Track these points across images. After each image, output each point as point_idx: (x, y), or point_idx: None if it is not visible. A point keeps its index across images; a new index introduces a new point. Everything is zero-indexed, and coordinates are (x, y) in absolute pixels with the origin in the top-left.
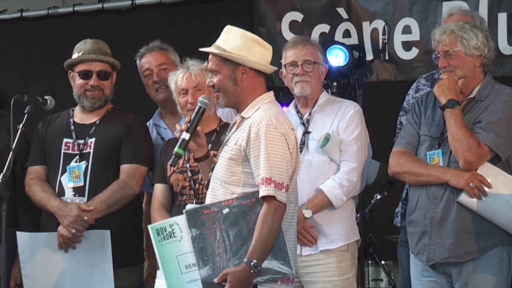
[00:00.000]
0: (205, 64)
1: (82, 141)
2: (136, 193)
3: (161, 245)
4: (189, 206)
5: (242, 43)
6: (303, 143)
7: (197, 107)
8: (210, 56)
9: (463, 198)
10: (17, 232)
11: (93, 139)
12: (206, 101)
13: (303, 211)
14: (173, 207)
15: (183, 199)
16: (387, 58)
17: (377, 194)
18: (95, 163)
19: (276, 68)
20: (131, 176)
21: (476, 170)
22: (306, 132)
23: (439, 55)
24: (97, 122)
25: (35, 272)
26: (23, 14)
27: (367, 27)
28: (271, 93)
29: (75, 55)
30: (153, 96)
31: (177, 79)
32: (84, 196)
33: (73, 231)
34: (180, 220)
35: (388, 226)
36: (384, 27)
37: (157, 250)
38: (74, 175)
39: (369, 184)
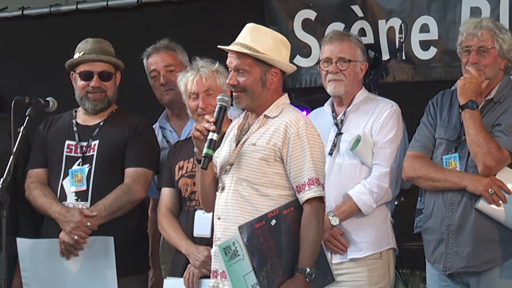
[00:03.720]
0: (216, 65)
1: (85, 144)
2: (141, 198)
3: (230, 265)
4: (198, 213)
5: (273, 44)
6: (334, 145)
7: (218, 106)
8: (234, 55)
9: (482, 204)
10: (18, 239)
11: (96, 142)
12: (226, 98)
13: (330, 219)
14: (181, 212)
15: (192, 204)
16: (404, 58)
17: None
18: (98, 166)
19: (296, 68)
20: (136, 180)
21: (495, 175)
22: (339, 134)
23: (470, 49)
24: (101, 124)
25: (36, 280)
26: (24, 12)
27: (383, 26)
28: (287, 95)
29: (76, 55)
30: (160, 98)
31: (187, 82)
32: (87, 200)
33: (75, 237)
34: (239, 238)
35: (405, 234)
36: (401, 26)
37: (227, 270)
38: (77, 179)
39: (405, 189)
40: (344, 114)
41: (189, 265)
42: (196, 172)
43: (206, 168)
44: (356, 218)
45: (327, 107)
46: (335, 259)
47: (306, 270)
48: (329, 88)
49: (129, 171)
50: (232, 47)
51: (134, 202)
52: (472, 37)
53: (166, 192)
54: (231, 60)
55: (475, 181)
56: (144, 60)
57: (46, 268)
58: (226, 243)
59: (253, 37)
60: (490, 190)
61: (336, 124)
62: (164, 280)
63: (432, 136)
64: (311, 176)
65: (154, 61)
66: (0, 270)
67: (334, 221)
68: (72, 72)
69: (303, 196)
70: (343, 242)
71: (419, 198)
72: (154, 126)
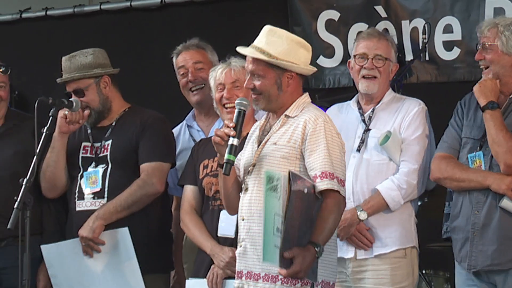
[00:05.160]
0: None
1: (98, 145)
2: (158, 191)
3: (268, 194)
4: (224, 212)
5: (288, 48)
6: (362, 141)
7: (237, 110)
8: (250, 58)
9: (505, 203)
10: (42, 246)
11: (109, 142)
12: (245, 102)
13: (358, 213)
14: (205, 211)
15: (217, 204)
16: (427, 58)
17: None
18: (113, 166)
19: (316, 69)
20: (150, 174)
21: None
22: (367, 130)
23: (479, 47)
24: (113, 124)
25: (66, 283)
26: (48, 12)
27: (406, 26)
28: (307, 94)
29: None
30: (187, 95)
31: (216, 74)
32: (103, 198)
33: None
34: (285, 179)
35: (429, 234)
36: (424, 26)
37: (265, 198)
38: (91, 181)
39: (429, 189)
40: (372, 111)
41: (213, 266)
42: (219, 175)
43: (229, 174)
44: (382, 214)
45: (353, 103)
46: (359, 254)
47: (318, 246)
48: (362, 86)
49: (144, 167)
50: (247, 51)
51: (151, 195)
52: (480, 35)
53: (189, 190)
54: (247, 64)
55: (498, 180)
56: (174, 59)
57: (73, 269)
58: (273, 173)
59: (268, 40)
60: None
61: (364, 121)
62: (186, 280)
63: (458, 137)
64: (325, 169)
65: (183, 58)
66: (24, 270)
67: (362, 215)
68: None
69: (321, 187)
70: (369, 238)
71: (446, 203)
72: (180, 125)
